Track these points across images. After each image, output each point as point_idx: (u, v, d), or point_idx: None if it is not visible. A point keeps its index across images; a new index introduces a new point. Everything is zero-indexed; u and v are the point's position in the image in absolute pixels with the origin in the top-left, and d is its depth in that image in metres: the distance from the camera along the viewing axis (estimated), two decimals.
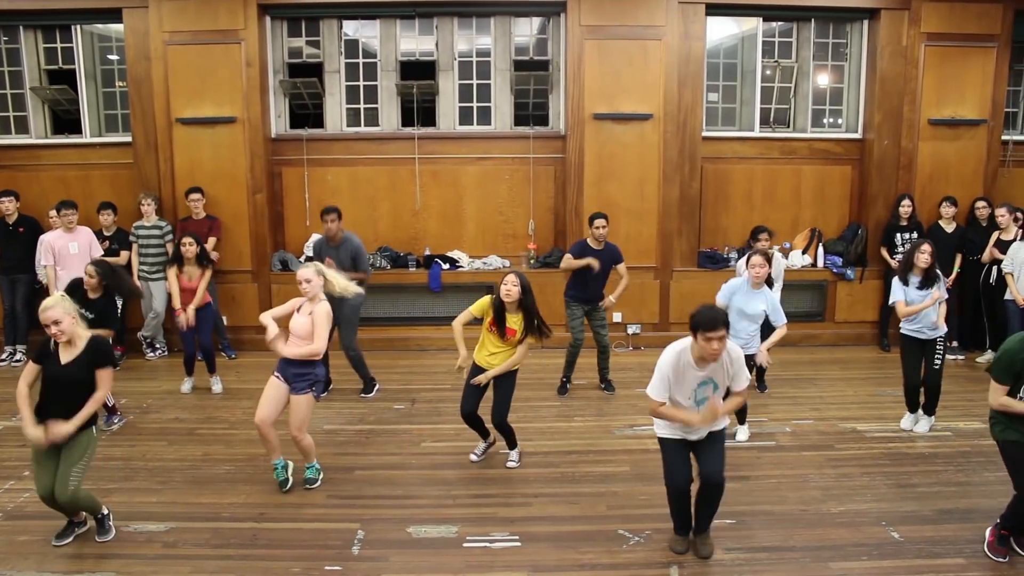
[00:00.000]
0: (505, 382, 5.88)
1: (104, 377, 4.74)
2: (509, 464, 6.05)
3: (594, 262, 7.54)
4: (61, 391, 4.67)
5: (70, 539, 4.86)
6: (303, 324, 5.53)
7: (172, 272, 7.86)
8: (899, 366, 6.77)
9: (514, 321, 5.73)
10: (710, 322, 4.25)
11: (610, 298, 7.81)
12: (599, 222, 7.63)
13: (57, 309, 4.59)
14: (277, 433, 5.60)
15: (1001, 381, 4.56)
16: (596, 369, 8.04)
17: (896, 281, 6.64)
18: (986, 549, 4.74)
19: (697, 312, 4.35)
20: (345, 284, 5.82)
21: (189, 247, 7.79)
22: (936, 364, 6.63)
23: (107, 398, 4.68)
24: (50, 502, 4.70)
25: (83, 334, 4.73)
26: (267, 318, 5.57)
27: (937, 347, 6.63)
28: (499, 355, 5.83)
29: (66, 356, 4.68)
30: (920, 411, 6.85)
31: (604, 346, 7.94)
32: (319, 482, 5.69)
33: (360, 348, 7.89)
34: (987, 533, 4.83)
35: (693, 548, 4.76)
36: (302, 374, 5.50)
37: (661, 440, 4.71)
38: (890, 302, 6.75)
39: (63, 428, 4.57)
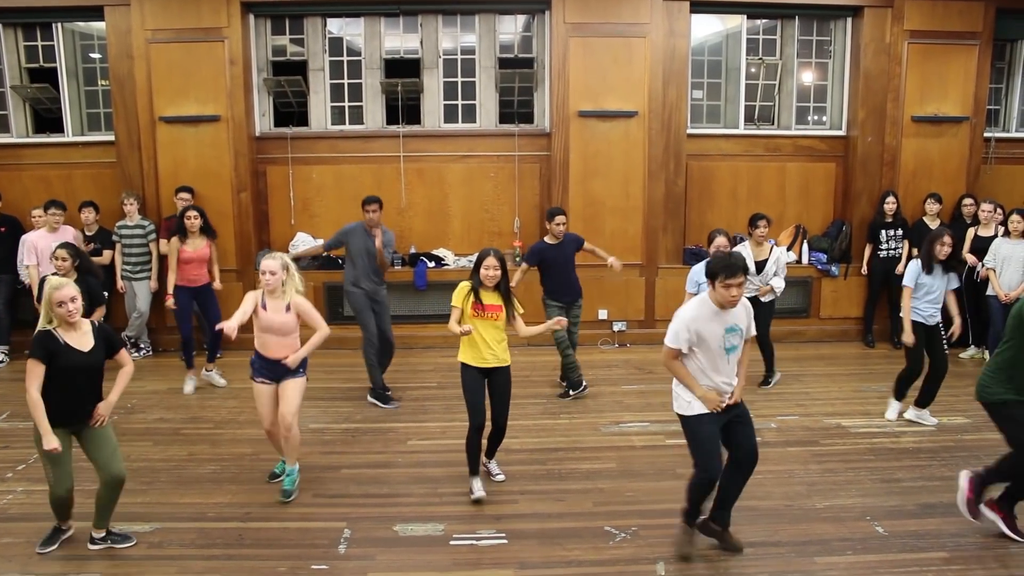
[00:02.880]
0: (503, 380, 5.56)
1: (127, 355, 4.94)
2: (497, 478, 5.75)
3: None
4: (87, 379, 4.63)
5: (55, 546, 4.79)
6: (284, 321, 5.39)
7: (174, 243, 7.85)
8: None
9: (493, 298, 5.48)
10: (730, 268, 4.30)
11: (612, 260, 7.77)
12: (560, 218, 7.64)
13: (71, 287, 4.54)
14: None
15: None
16: (580, 367, 8.01)
17: (914, 265, 6.68)
18: (962, 505, 4.89)
19: (716, 260, 4.43)
20: (299, 281, 5.58)
21: (194, 220, 7.83)
22: (946, 349, 6.76)
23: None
24: (67, 499, 4.69)
25: (83, 318, 4.68)
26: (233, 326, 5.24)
27: (943, 332, 6.76)
28: (501, 343, 5.52)
29: (82, 343, 4.59)
30: (913, 404, 6.94)
31: (573, 343, 7.84)
32: (295, 495, 5.47)
33: None
34: (965, 487, 4.93)
35: (724, 544, 4.72)
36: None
37: (691, 419, 4.54)
38: (904, 283, 6.76)
39: (107, 407, 4.74)
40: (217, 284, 8.16)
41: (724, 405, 4.50)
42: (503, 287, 5.49)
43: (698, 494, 4.61)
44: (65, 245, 6.70)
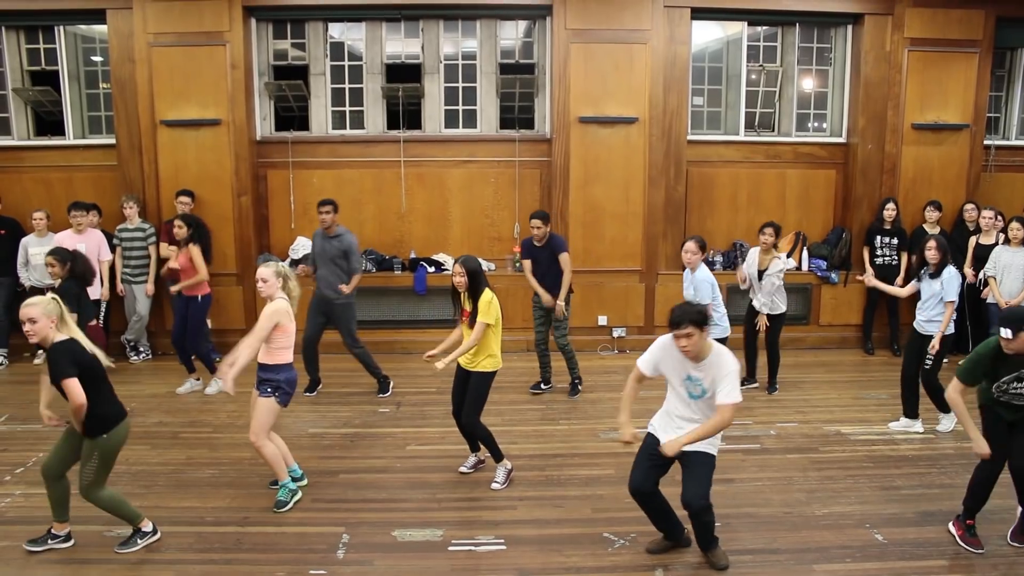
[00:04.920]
0: (477, 382, 5.73)
1: (66, 388, 4.44)
2: (493, 486, 5.75)
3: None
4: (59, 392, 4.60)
5: (43, 548, 4.77)
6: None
7: (172, 251, 8.12)
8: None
9: (468, 303, 5.71)
10: (673, 319, 4.36)
11: (559, 303, 7.68)
12: (534, 222, 7.69)
13: (36, 308, 4.47)
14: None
15: (962, 379, 4.80)
16: (580, 372, 8.05)
17: (956, 278, 6.72)
18: (962, 543, 4.86)
19: (671, 310, 4.44)
20: (297, 292, 5.61)
21: (179, 229, 7.86)
22: (927, 364, 6.73)
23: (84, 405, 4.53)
24: (46, 479, 4.74)
25: (55, 339, 4.52)
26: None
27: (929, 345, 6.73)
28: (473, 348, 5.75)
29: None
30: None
31: (560, 348, 7.89)
32: (289, 506, 5.40)
33: (364, 346, 8.05)
34: (952, 528, 4.97)
35: (707, 562, 4.68)
36: (265, 379, 5.43)
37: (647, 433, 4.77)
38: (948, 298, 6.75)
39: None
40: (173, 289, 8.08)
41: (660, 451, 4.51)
42: (473, 293, 5.65)
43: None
44: (54, 251, 6.75)
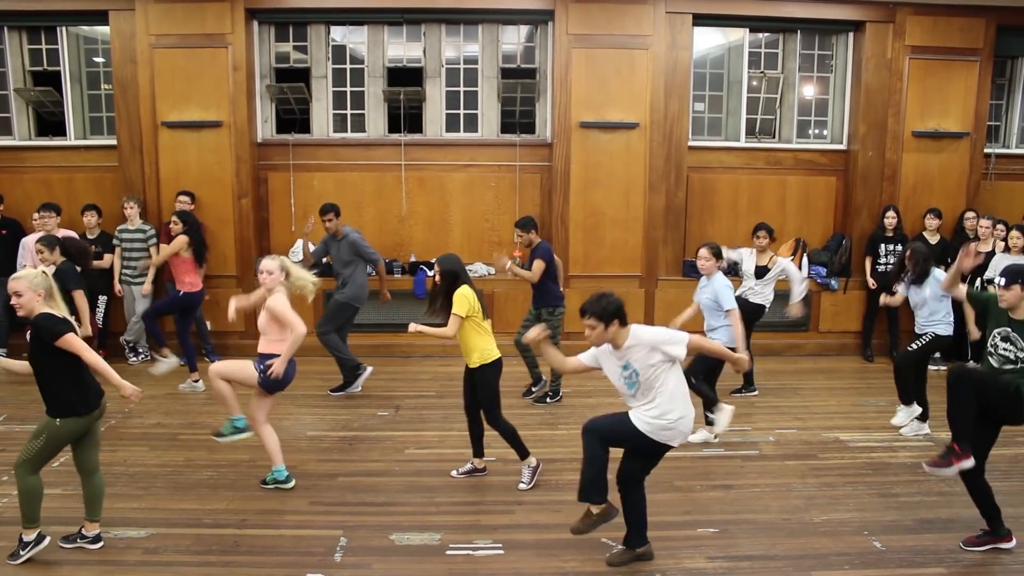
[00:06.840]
0: (480, 379, 5.72)
1: (69, 343, 4.42)
2: (520, 486, 5.78)
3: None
4: (33, 368, 4.60)
5: (72, 546, 4.79)
6: (260, 320, 5.65)
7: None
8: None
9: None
10: (581, 308, 4.50)
11: (504, 259, 7.70)
12: (516, 231, 7.86)
13: (21, 282, 4.50)
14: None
15: (970, 295, 5.54)
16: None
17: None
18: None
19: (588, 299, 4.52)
20: (304, 278, 5.80)
21: (175, 225, 7.93)
22: (911, 347, 6.88)
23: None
24: (80, 474, 4.82)
25: (40, 310, 4.50)
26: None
27: (919, 338, 6.81)
28: (463, 346, 5.79)
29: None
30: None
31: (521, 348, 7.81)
32: (228, 438, 5.76)
33: (335, 337, 8.02)
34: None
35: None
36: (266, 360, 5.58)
37: None
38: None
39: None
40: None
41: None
42: (448, 292, 5.69)
43: None
44: (41, 238, 6.91)
